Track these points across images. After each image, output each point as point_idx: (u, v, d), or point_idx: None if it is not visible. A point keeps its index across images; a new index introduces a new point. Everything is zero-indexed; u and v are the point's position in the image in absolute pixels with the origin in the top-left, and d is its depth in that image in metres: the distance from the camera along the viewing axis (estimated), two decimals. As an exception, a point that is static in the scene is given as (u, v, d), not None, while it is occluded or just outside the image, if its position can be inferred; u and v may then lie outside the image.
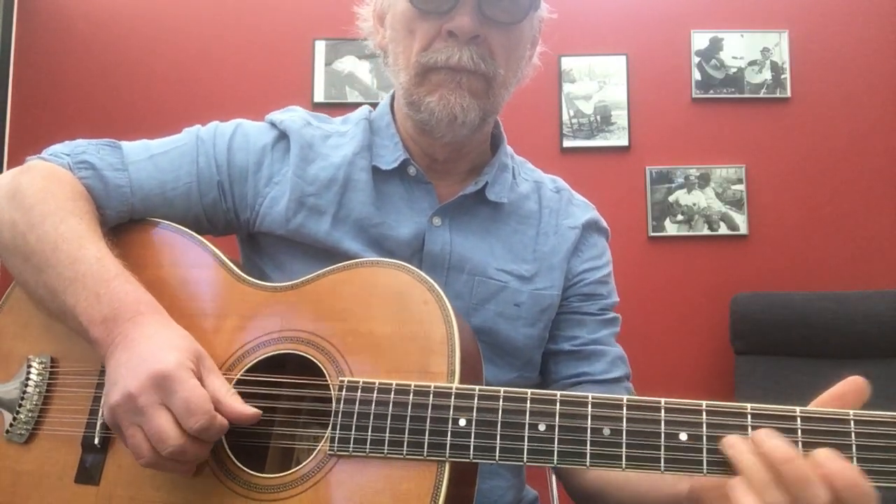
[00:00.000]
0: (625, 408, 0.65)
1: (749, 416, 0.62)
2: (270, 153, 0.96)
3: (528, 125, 2.58)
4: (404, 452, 0.69)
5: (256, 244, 0.97)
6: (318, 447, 0.73)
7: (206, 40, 2.67)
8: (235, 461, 0.75)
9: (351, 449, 0.71)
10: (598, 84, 2.60)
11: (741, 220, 2.54)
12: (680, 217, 2.55)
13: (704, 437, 0.63)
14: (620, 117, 2.58)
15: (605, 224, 1.08)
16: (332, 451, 0.71)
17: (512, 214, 0.99)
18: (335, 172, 0.94)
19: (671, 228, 2.55)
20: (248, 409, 0.74)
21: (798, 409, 0.61)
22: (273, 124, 0.99)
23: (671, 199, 2.56)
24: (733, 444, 0.61)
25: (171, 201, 0.93)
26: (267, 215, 0.94)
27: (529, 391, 0.69)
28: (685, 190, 2.56)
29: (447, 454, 0.68)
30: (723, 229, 2.54)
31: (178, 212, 0.94)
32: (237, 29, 2.66)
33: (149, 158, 0.95)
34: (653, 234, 2.55)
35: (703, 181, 2.56)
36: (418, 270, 0.78)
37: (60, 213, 0.84)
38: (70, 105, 2.65)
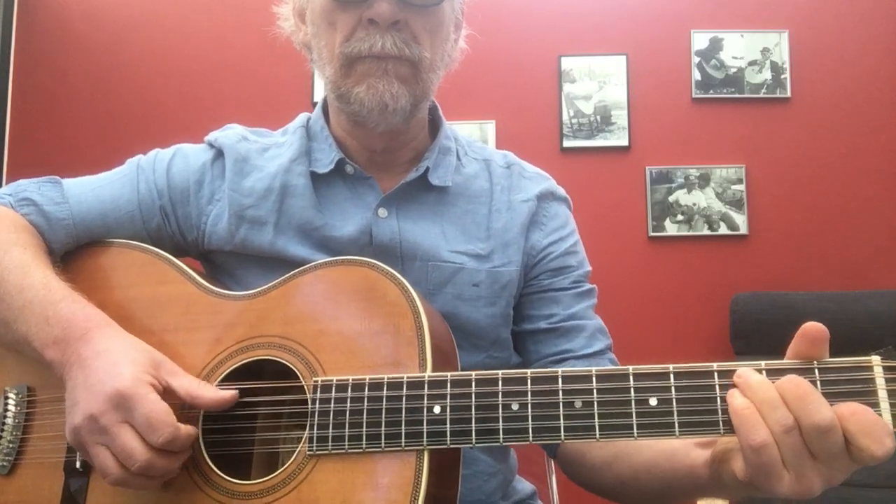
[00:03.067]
0: (594, 379, 0.67)
1: (716, 375, 0.64)
2: (210, 170, 0.97)
3: (528, 125, 2.58)
4: (382, 445, 0.70)
5: (212, 262, 0.98)
6: (297, 449, 0.73)
7: (206, 40, 2.67)
8: (218, 472, 0.75)
9: (330, 447, 0.71)
10: (598, 84, 2.60)
11: (741, 220, 2.54)
12: (680, 217, 2.55)
13: (674, 401, 0.64)
14: (620, 117, 2.59)
15: (563, 192, 1.05)
16: (312, 451, 0.72)
17: (460, 196, 0.97)
18: (271, 182, 0.95)
19: (671, 228, 2.55)
20: (224, 393, 0.75)
21: (763, 362, 0.63)
22: (210, 144, 1.00)
23: (671, 199, 2.56)
24: (741, 374, 0.62)
25: (114, 230, 0.94)
26: (213, 233, 0.94)
27: (500, 372, 0.69)
28: (685, 190, 2.56)
29: (425, 442, 0.69)
30: (723, 229, 2.54)
31: (123, 238, 0.95)
32: (237, 29, 2.66)
33: (90, 191, 0.96)
34: (653, 234, 2.55)
35: (703, 181, 2.56)
36: (382, 265, 0.78)
37: (4, 247, 0.85)
38: (70, 105, 2.65)
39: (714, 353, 2.47)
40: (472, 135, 2.56)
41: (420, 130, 1.00)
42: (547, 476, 1.81)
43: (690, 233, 2.55)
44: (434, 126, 1.03)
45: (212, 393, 0.75)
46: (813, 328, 0.62)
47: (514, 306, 0.98)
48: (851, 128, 2.56)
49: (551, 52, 2.62)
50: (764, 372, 0.62)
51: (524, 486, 1.05)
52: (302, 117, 1.03)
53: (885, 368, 0.60)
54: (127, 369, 0.72)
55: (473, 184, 0.99)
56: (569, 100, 2.61)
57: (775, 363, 0.63)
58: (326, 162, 0.95)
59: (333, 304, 0.78)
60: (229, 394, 0.75)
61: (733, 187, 2.55)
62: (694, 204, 2.55)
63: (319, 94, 2.62)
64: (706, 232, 2.54)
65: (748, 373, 0.62)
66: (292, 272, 0.83)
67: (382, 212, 0.93)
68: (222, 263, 0.96)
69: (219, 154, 0.98)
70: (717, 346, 2.47)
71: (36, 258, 0.86)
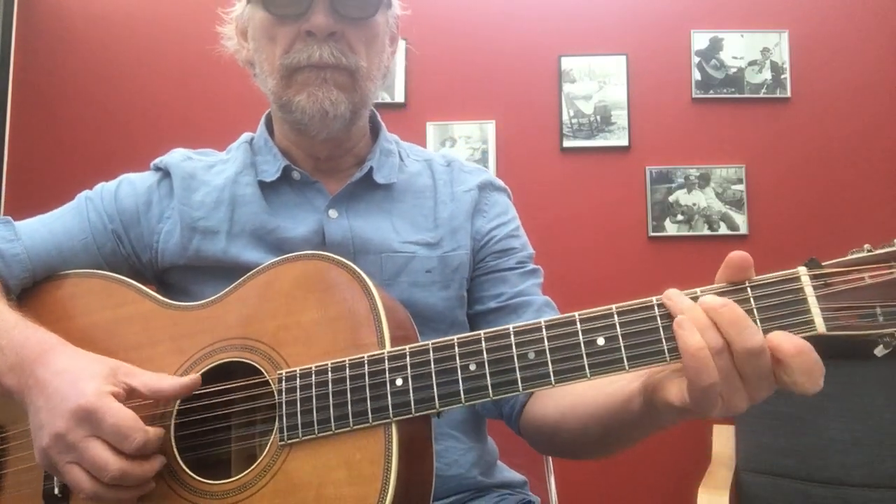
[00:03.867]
0: (544, 329, 0.69)
1: (656, 308, 0.66)
2: (157, 191, 1.00)
3: (528, 125, 2.58)
4: (351, 424, 0.72)
5: (167, 283, 1.00)
6: (269, 441, 0.74)
7: (206, 40, 2.66)
8: (192, 475, 0.76)
9: (301, 434, 0.73)
10: (598, 84, 2.60)
11: (741, 220, 2.54)
12: (680, 217, 2.55)
13: (620, 337, 0.67)
14: (620, 117, 2.59)
15: (501, 183, 1.11)
16: (283, 440, 0.73)
17: (406, 192, 1.02)
18: (220, 194, 0.98)
19: (671, 228, 2.55)
20: (184, 379, 0.77)
21: (698, 289, 0.66)
22: (156, 167, 1.04)
23: (671, 199, 2.56)
24: (671, 297, 0.65)
25: (70, 260, 0.97)
26: (166, 250, 0.97)
27: (455, 337, 0.72)
28: (685, 190, 2.56)
29: (391, 414, 0.71)
30: (723, 229, 2.55)
31: (80, 268, 0.97)
32: (237, 29, 2.66)
33: (42, 226, 0.99)
34: (653, 234, 2.55)
35: (703, 181, 2.56)
36: (332, 255, 0.81)
37: None
38: (70, 105, 2.65)
39: (714, 353, 2.47)
40: (472, 135, 2.56)
41: (361, 137, 1.04)
42: (546, 476, 1.81)
43: (690, 233, 2.55)
44: (375, 133, 1.07)
45: (172, 382, 0.76)
46: (738, 256, 0.65)
47: (466, 291, 1.02)
48: (851, 128, 2.56)
49: (551, 52, 2.62)
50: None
51: (514, 475, 1.07)
52: (245, 136, 1.07)
53: (812, 277, 0.63)
54: (88, 384, 0.73)
55: (417, 181, 1.04)
56: (569, 100, 2.61)
57: (709, 287, 0.66)
58: (273, 171, 0.99)
59: (289, 299, 0.80)
60: (189, 379, 0.77)
61: (733, 187, 2.55)
62: (694, 204, 2.55)
63: (319, 94, 2.62)
64: (706, 232, 2.54)
65: (678, 297, 0.65)
66: (246, 275, 0.85)
67: (333, 213, 0.96)
68: (177, 282, 0.98)
69: (165, 175, 1.01)
70: (717, 346, 2.46)
71: None
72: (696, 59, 2.60)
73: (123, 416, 0.71)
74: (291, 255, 0.83)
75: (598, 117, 2.59)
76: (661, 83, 2.61)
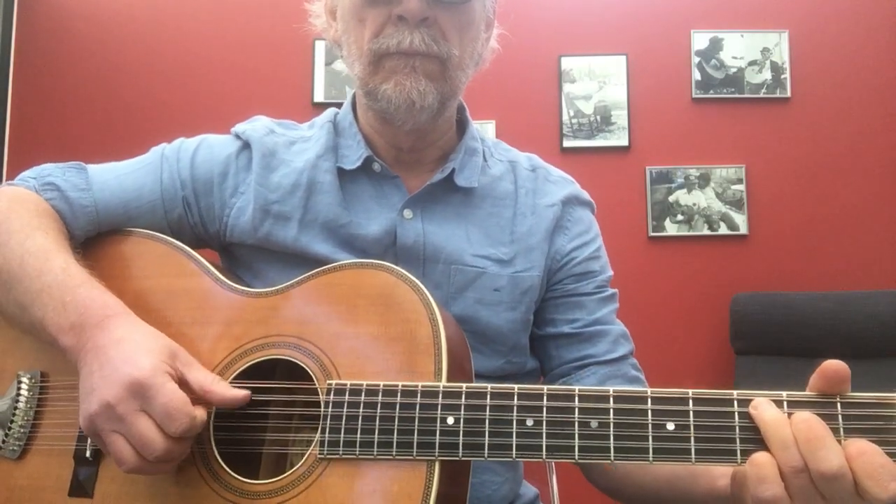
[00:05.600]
0: (611, 400, 0.66)
1: (735, 403, 0.63)
2: (235, 162, 0.97)
3: (528, 125, 2.58)
4: (394, 453, 0.69)
5: (232, 255, 0.98)
6: (308, 451, 0.73)
7: (206, 40, 2.67)
8: (227, 469, 0.75)
9: (341, 452, 0.71)
10: (598, 84, 2.60)
11: (741, 220, 2.54)
12: (680, 217, 2.55)
13: (692, 426, 0.63)
14: (620, 117, 2.59)
15: (587, 196, 1.06)
16: (322, 454, 0.72)
17: (486, 198, 0.97)
18: (298, 178, 0.94)
19: (671, 228, 2.55)
20: (237, 392, 0.74)
21: (784, 393, 0.62)
22: (237, 135, 1.00)
23: (671, 199, 2.56)
24: (757, 406, 0.62)
25: (135, 219, 0.94)
26: (236, 226, 0.94)
27: (516, 387, 0.69)
28: (685, 190, 2.56)
29: (437, 453, 0.68)
30: (723, 229, 2.54)
31: (143, 228, 0.94)
32: (237, 29, 2.66)
33: (114, 178, 0.96)
34: (653, 234, 2.55)
35: (703, 181, 2.56)
36: (402, 270, 0.78)
37: (26, 230, 0.85)
38: (70, 105, 2.65)
39: (714, 353, 2.47)
40: (472, 135, 2.56)
41: (448, 129, 1.00)
42: (547, 476, 1.81)
43: (690, 233, 2.55)
44: (461, 126, 1.03)
45: (225, 390, 0.74)
46: (831, 368, 0.61)
47: (537, 310, 0.97)
48: (851, 128, 2.56)
49: (551, 52, 2.62)
50: (785, 403, 0.62)
51: (528, 489, 1.05)
52: (329, 112, 1.03)
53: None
54: (145, 358, 0.72)
55: (499, 185, 0.99)
56: (569, 100, 2.61)
57: (797, 395, 0.62)
58: (354, 158, 0.95)
59: (352, 308, 0.78)
60: (242, 393, 0.75)
61: (733, 187, 2.55)
62: (694, 204, 2.55)
63: (319, 94, 2.62)
64: (706, 232, 2.54)
65: (764, 406, 0.62)
66: (312, 272, 0.82)
67: (408, 213, 0.93)
68: (242, 257, 0.96)
69: (245, 146, 0.98)
70: (717, 346, 2.47)
71: (57, 243, 0.85)
72: (696, 59, 2.60)
73: (175, 398, 0.70)
74: (362, 261, 0.81)
75: (598, 117, 2.59)
76: (661, 83, 2.61)
